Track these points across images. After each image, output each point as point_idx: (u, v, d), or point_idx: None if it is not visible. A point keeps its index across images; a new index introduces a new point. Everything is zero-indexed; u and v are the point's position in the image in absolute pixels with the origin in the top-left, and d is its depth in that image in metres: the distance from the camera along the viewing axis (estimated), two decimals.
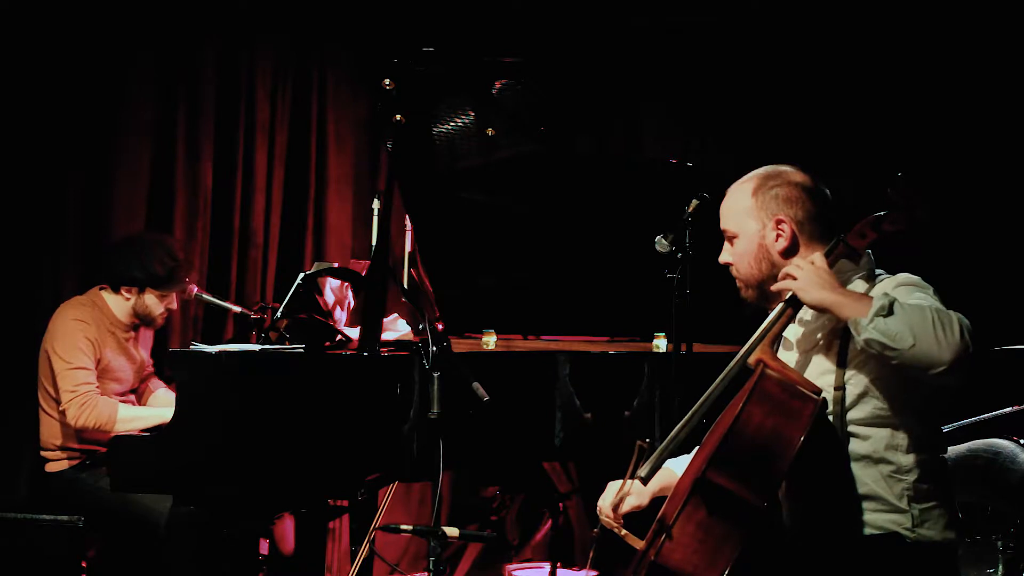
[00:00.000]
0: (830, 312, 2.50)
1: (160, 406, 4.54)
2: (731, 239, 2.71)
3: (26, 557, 4.15)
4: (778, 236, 2.65)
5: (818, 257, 2.56)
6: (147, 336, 4.62)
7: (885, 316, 2.37)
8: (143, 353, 4.58)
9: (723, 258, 2.74)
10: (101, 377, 4.34)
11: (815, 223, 2.65)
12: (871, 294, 2.51)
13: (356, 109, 5.66)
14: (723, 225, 2.73)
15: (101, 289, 4.44)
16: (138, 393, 4.61)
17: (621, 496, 2.77)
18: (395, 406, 3.55)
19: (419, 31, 5.42)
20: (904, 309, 2.38)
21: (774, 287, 2.61)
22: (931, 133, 5.49)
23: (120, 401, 4.40)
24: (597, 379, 4.04)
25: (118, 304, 4.42)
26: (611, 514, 2.78)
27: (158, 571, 4.10)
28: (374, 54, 5.44)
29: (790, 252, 2.64)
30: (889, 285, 2.56)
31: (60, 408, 4.24)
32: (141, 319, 4.44)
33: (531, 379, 3.94)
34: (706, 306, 3.53)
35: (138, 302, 4.40)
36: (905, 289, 2.52)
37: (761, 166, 2.73)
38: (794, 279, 2.53)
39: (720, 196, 2.77)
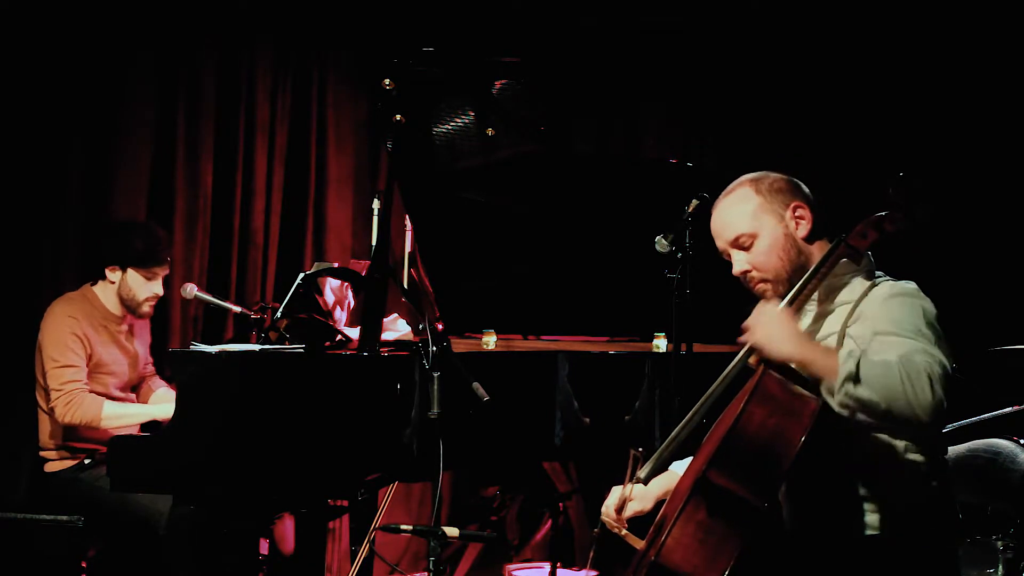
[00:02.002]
0: (799, 366, 2.47)
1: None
2: (746, 245, 2.65)
3: (26, 557, 4.15)
4: (798, 222, 2.64)
5: (771, 307, 2.52)
6: (143, 331, 4.62)
7: (854, 383, 2.34)
8: (139, 347, 4.57)
9: (739, 268, 2.67)
10: (95, 372, 4.34)
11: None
12: (860, 295, 2.52)
13: (356, 109, 5.66)
14: (732, 233, 2.66)
15: (93, 285, 4.45)
16: (139, 392, 4.61)
17: (624, 500, 2.77)
18: (395, 406, 3.55)
19: (419, 31, 5.42)
20: (872, 372, 2.34)
21: (740, 339, 2.54)
22: (932, 133, 5.50)
23: (120, 398, 4.41)
24: (597, 379, 4.04)
25: (107, 295, 4.42)
26: (614, 516, 2.78)
27: (158, 571, 4.10)
28: (374, 54, 5.44)
29: (813, 236, 2.63)
30: (883, 293, 2.54)
31: (49, 405, 4.25)
32: (127, 305, 4.42)
33: (531, 379, 3.94)
34: (706, 306, 3.53)
35: (122, 284, 4.39)
36: (898, 301, 2.50)
37: (759, 167, 2.73)
38: (754, 332, 2.49)
39: (716, 209, 2.74)
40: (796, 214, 2.64)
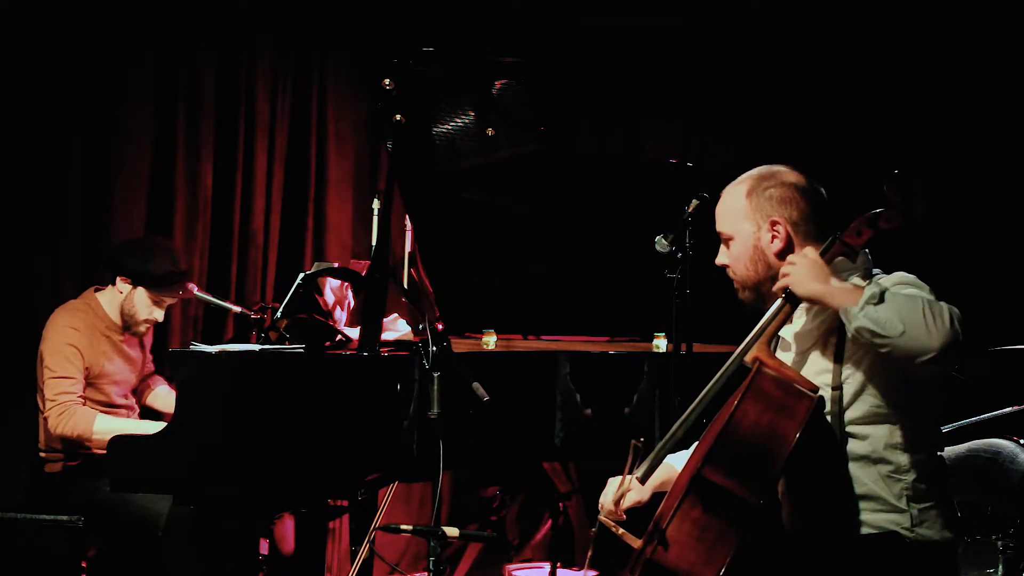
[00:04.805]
0: (822, 303, 2.52)
1: (161, 405, 4.56)
2: (727, 241, 2.72)
3: (26, 557, 4.15)
4: (773, 237, 2.65)
5: (810, 250, 2.56)
6: (146, 334, 4.61)
7: (876, 304, 2.38)
8: (143, 351, 4.57)
9: (719, 260, 2.74)
10: (98, 382, 4.33)
11: (810, 223, 2.65)
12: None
13: (356, 109, 5.66)
14: (719, 228, 2.73)
15: (97, 291, 4.44)
16: (139, 392, 4.61)
17: (622, 492, 2.78)
18: (395, 406, 3.55)
19: (419, 31, 5.42)
20: (895, 298, 2.39)
21: (776, 287, 2.61)
22: (928, 130, 5.50)
23: (121, 404, 4.41)
24: (597, 379, 4.04)
25: (112, 303, 4.41)
26: (612, 509, 2.78)
27: (158, 571, 4.10)
28: (374, 54, 5.44)
29: (785, 253, 2.64)
30: (885, 284, 2.55)
31: (44, 415, 4.24)
32: (126, 320, 4.41)
33: (531, 379, 3.94)
34: (706, 306, 3.53)
35: (128, 298, 4.37)
36: (901, 287, 2.52)
37: (758, 166, 2.73)
38: (786, 275, 2.55)
39: (720, 196, 2.77)
40: (773, 230, 2.65)
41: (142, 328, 4.45)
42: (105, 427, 4.19)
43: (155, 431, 4.08)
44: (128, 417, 4.43)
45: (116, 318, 4.42)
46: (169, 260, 4.40)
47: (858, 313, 2.39)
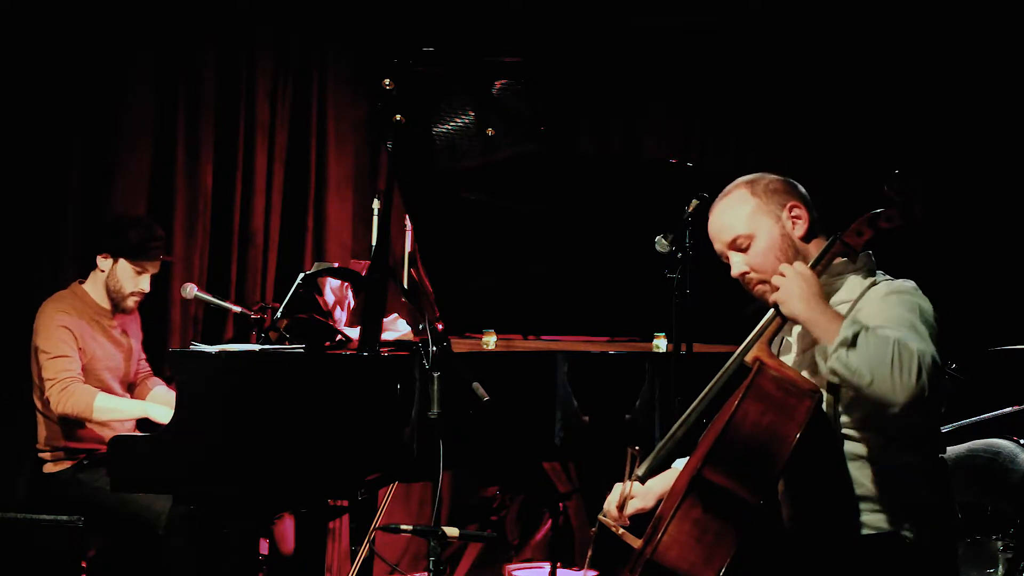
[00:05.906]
0: (804, 327, 2.50)
1: (158, 404, 4.56)
2: (744, 246, 2.66)
3: (26, 557, 4.15)
4: (795, 222, 2.64)
5: (800, 265, 2.54)
6: (134, 326, 4.62)
7: (848, 348, 2.35)
8: (133, 342, 4.58)
9: (737, 270, 2.68)
10: (90, 367, 4.35)
11: (813, 211, 2.66)
12: (859, 294, 2.52)
13: (356, 109, 5.66)
14: (729, 235, 2.67)
15: (82, 282, 4.45)
16: (135, 393, 4.60)
17: (624, 498, 2.77)
18: (395, 406, 3.55)
19: (419, 31, 5.43)
20: (868, 342, 2.34)
21: (771, 299, 2.57)
22: (929, 130, 5.50)
23: (119, 395, 4.41)
24: (597, 379, 4.04)
25: (97, 288, 4.42)
26: (616, 515, 2.78)
27: (158, 571, 4.10)
28: (374, 54, 5.44)
29: (810, 235, 2.64)
30: (880, 292, 2.54)
31: (44, 397, 4.25)
32: (113, 298, 4.42)
33: (531, 379, 3.94)
34: (706, 306, 3.53)
35: (111, 274, 4.39)
36: (895, 298, 2.50)
37: (758, 167, 2.74)
38: (776, 288, 2.52)
39: (712, 213, 2.74)
40: (792, 214, 2.65)
41: (130, 303, 4.45)
42: (106, 404, 4.22)
43: (157, 411, 4.11)
44: None
45: (103, 302, 4.44)
46: (144, 228, 4.43)
47: (832, 354, 2.37)
